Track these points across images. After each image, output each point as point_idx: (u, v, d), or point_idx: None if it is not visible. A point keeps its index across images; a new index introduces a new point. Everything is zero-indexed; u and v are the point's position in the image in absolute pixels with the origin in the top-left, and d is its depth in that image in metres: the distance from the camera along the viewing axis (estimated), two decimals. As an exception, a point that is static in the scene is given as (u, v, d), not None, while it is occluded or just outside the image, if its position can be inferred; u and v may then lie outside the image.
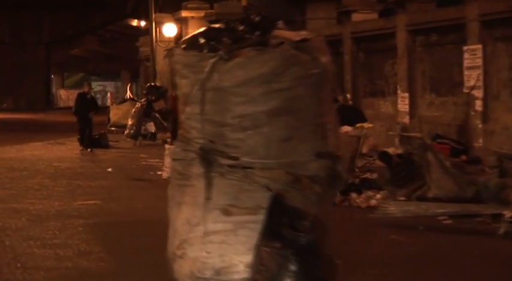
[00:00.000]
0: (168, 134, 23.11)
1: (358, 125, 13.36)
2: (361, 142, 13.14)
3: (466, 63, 15.29)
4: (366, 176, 12.58)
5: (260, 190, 5.61)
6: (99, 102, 36.23)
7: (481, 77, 14.83)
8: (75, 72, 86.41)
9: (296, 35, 5.83)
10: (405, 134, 12.22)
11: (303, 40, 5.77)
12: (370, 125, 13.83)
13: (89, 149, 20.51)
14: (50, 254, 8.13)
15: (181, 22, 31.39)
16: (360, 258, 7.77)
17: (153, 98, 24.51)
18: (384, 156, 11.51)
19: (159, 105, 24.49)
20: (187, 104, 5.85)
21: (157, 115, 24.24)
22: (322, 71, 5.76)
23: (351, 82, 19.98)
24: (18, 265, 7.66)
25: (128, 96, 32.25)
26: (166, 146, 15.83)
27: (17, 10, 56.42)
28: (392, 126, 17.18)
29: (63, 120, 38.24)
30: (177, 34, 31.99)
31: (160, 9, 33.88)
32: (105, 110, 31.86)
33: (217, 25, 5.99)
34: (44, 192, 12.92)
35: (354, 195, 11.29)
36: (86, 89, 21.94)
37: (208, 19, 29.52)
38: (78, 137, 21.20)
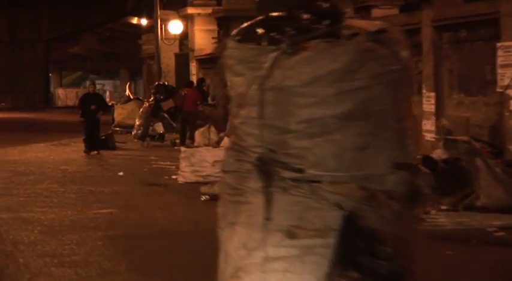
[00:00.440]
0: (177, 135, 22.29)
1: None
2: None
3: (500, 60, 14.46)
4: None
5: (330, 208, 4.74)
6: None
7: (516, 76, 14.07)
8: (74, 71, 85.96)
9: (372, 25, 4.95)
10: (451, 137, 11.31)
11: (380, 31, 4.92)
12: None
13: (95, 152, 19.59)
14: (70, 274, 7.29)
15: (187, 19, 30.57)
16: (428, 279, 6.88)
17: (162, 97, 23.59)
18: (428, 161, 10.42)
19: (168, 104, 23.58)
20: (243, 107, 4.96)
21: (165, 115, 23.37)
22: (402, 68, 4.90)
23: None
24: (36, 287, 6.80)
25: (128, 96, 31.43)
26: (182, 148, 14.97)
27: (15, 7, 55.64)
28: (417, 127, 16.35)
29: (64, 119, 37.59)
30: (182, 31, 31.25)
31: (165, 6, 33.10)
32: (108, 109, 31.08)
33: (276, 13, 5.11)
34: (55, 199, 12.05)
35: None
36: (90, 89, 21.10)
37: (216, 16, 28.71)
38: (84, 138, 20.27)
